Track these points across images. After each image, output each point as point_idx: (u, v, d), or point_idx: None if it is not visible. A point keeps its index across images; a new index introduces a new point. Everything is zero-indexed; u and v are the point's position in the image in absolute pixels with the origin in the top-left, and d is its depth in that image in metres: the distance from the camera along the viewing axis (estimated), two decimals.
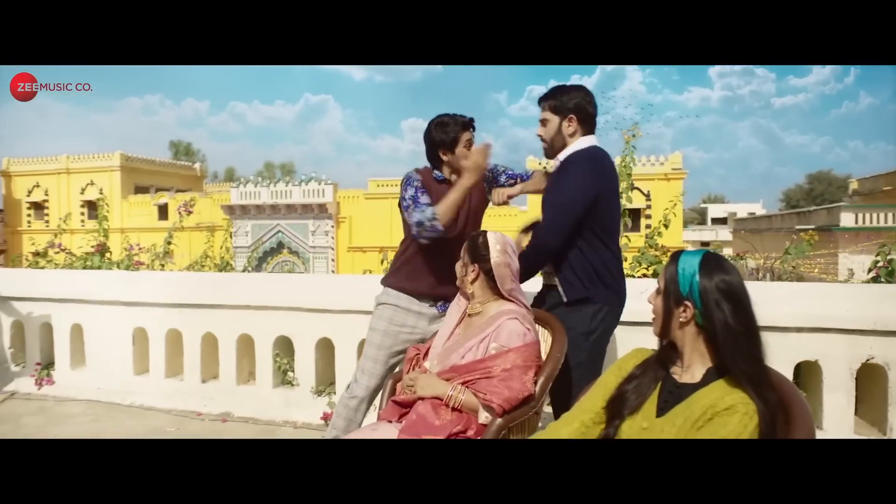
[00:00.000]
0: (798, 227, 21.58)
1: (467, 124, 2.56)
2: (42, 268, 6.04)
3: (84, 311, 4.55)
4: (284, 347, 4.10)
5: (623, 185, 4.74)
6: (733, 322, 1.39)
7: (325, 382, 4.00)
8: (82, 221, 30.91)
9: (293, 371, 4.07)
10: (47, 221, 33.51)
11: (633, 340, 3.16)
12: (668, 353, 1.54)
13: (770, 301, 3.41)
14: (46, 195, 34.13)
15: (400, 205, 2.59)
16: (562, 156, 2.42)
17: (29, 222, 34.45)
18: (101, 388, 4.40)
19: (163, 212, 31.53)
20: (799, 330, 3.25)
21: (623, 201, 4.73)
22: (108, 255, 6.24)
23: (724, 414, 1.34)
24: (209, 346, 4.23)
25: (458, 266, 2.18)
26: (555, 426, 1.64)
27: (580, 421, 1.59)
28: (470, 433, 1.88)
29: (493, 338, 1.99)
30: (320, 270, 29.94)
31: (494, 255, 2.11)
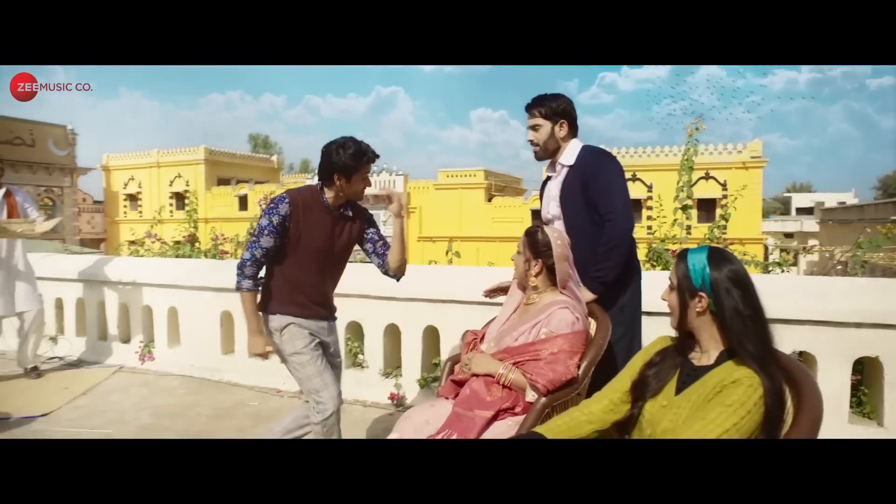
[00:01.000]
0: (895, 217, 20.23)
1: (372, 159, 2.68)
2: (140, 255, 6.65)
3: (178, 295, 5.03)
4: (355, 332, 4.41)
5: (685, 179, 4.77)
6: (742, 306, 1.54)
7: (392, 365, 4.28)
8: (171, 212, 32.84)
9: (363, 354, 4.38)
10: (141, 212, 35.84)
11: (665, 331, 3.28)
12: (687, 341, 1.69)
13: (829, 296, 3.41)
14: (140, 187, 36.47)
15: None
16: (568, 159, 2.67)
17: (125, 213, 36.93)
18: (193, 364, 4.88)
19: (243, 202, 33.05)
20: (858, 325, 3.25)
21: (686, 194, 4.77)
22: (197, 244, 6.80)
23: (731, 386, 1.49)
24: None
25: (520, 261, 2.37)
26: (587, 403, 1.81)
27: (609, 399, 1.76)
28: (517, 410, 2.09)
29: (544, 324, 2.18)
30: (491, 264, 30.57)
31: (556, 250, 2.30)
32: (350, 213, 2.75)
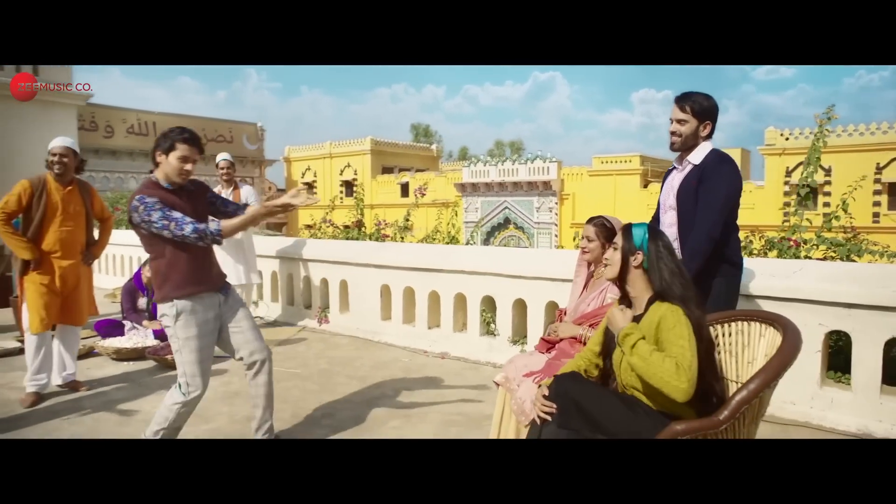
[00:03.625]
0: None
1: (189, 140, 2.92)
2: (318, 237, 7.94)
3: (348, 270, 6.11)
4: (489, 305, 5.15)
5: (810, 170, 4.86)
6: (669, 264, 2.11)
7: (520, 334, 4.96)
8: (341, 199, 35.96)
9: (495, 324, 5.11)
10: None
11: (786, 314, 3.59)
12: (623, 301, 2.25)
13: None
14: (315, 177, 40.30)
15: (141, 224, 2.84)
16: (696, 158, 2.94)
17: None
18: (359, 328, 5.94)
19: (404, 189, 35.25)
20: None
21: (809, 182, 4.84)
22: (363, 228, 7.96)
23: (663, 319, 2.02)
24: (434, 301, 5.47)
25: (595, 246, 2.94)
26: (575, 360, 2.42)
27: (587, 359, 2.37)
28: None
29: (608, 290, 2.76)
30: (544, 245, 31.01)
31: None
32: (192, 188, 3.09)
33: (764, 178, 25.96)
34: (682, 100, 2.91)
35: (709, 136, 2.95)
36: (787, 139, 25.26)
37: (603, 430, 2.03)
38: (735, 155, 38.97)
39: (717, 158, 2.89)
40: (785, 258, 4.59)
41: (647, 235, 2.17)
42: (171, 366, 4.75)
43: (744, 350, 2.21)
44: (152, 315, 5.67)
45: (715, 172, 2.84)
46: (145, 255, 6.55)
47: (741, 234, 4.86)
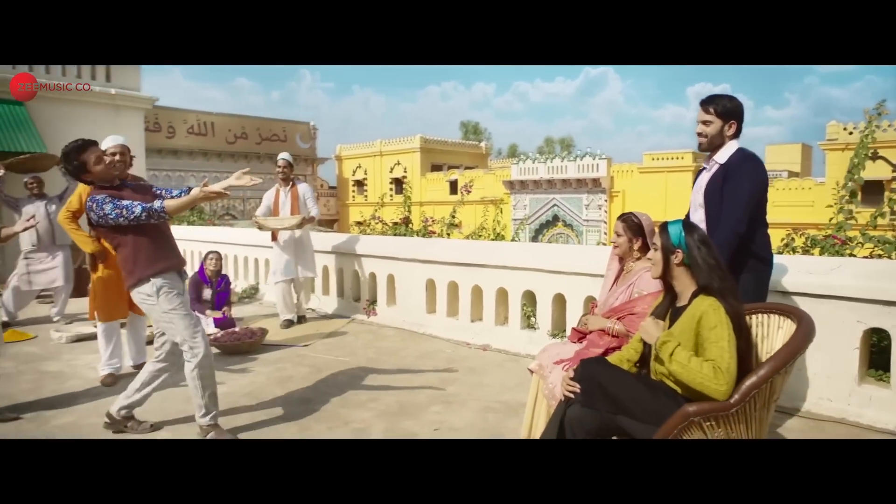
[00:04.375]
0: None
1: (84, 144, 3.25)
2: (367, 234, 8.23)
3: (395, 265, 6.36)
4: (529, 299, 5.31)
5: (856, 165, 4.81)
6: (708, 258, 2.20)
7: (559, 328, 5.10)
8: (391, 196, 36.56)
9: (535, 318, 5.26)
10: (366, 196, 40.34)
11: (820, 311, 3.64)
12: (669, 294, 2.36)
13: None
14: (365, 174, 41.02)
15: (99, 220, 3.14)
16: (722, 157, 3.04)
17: (353, 196, 41.85)
18: (405, 320, 6.19)
19: (453, 187, 35.51)
20: None
21: (856, 179, 4.81)
22: (410, 225, 8.21)
23: (704, 315, 2.12)
24: (477, 295, 5.65)
25: (623, 241, 3.08)
26: (625, 349, 2.55)
27: (633, 347, 2.50)
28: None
29: (635, 285, 2.89)
30: (593, 243, 30.78)
31: (647, 227, 3.00)
32: (135, 185, 3.48)
33: (825, 175, 25.07)
34: (707, 102, 3.06)
35: (735, 136, 3.06)
36: (850, 133, 24.28)
37: (625, 410, 2.19)
38: (795, 151, 37.81)
39: (742, 157, 2.99)
40: (828, 256, 4.59)
41: (683, 232, 2.27)
42: (230, 352, 5.11)
43: (763, 341, 2.32)
44: (215, 305, 6.07)
45: (739, 170, 2.95)
46: (206, 249, 6.97)
47: (783, 232, 4.88)
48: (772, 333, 2.28)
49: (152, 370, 3.47)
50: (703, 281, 2.21)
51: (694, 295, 2.25)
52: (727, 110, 3.00)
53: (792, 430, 3.49)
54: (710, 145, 3.08)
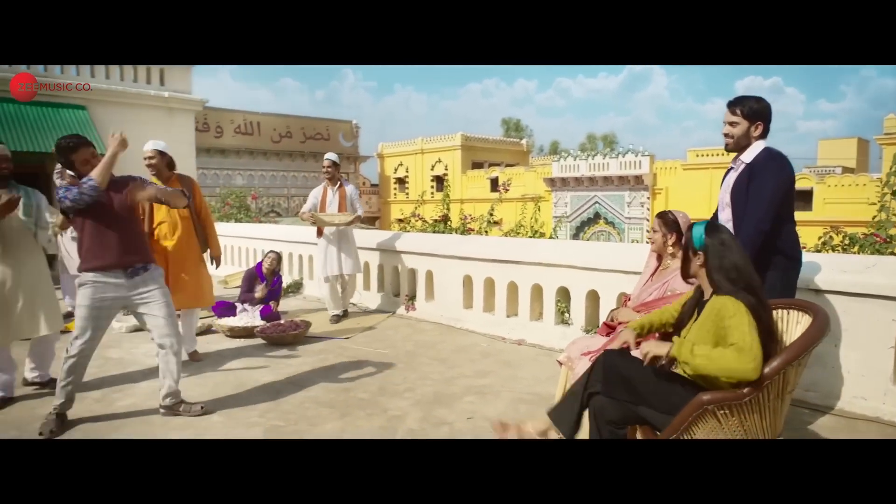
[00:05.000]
0: None
1: (79, 146, 3.49)
2: (407, 231, 8.44)
3: (433, 262, 6.54)
4: (563, 295, 5.41)
5: None
6: (722, 262, 2.27)
7: (592, 324, 5.19)
8: (432, 193, 36.83)
9: (569, 313, 5.36)
10: (407, 193, 40.72)
11: (854, 310, 3.65)
12: (699, 289, 2.43)
13: None
14: (407, 172, 41.38)
15: (63, 210, 3.48)
16: (748, 157, 3.11)
17: (395, 194, 42.31)
18: (443, 315, 6.37)
19: (494, 184, 35.50)
20: None
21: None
22: (449, 222, 8.39)
23: (720, 309, 2.20)
24: (512, 291, 5.79)
25: (658, 237, 3.17)
26: (648, 317, 2.65)
27: (668, 314, 2.59)
28: None
29: (670, 284, 2.98)
30: (635, 241, 30.38)
31: (683, 224, 3.07)
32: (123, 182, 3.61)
33: (881, 170, 24.17)
34: (734, 104, 3.13)
35: (762, 136, 3.12)
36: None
37: (645, 401, 2.30)
38: (850, 145, 36.48)
39: (767, 156, 3.05)
40: (867, 254, 4.56)
41: (704, 235, 2.34)
42: (275, 343, 5.38)
43: (783, 336, 2.39)
44: (265, 301, 6.37)
45: (764, 169, 3.01)
46: (257, 247, 7.24)
47: (820, 230, 4.86)
48: (791, 328, 2.36)
49: (160, 359, 3.70)
50: (717, 284, 2.29)
51: (713, 294, 2.35)
52: (753, 111, 3.07)
53: (823, 427, 3.53)
54: (737, 146, 3.15)
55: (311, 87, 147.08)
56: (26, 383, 4.20)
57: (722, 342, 2.20)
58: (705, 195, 28.08)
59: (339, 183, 6.54)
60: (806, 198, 25.76)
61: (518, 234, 8.92)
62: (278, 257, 6.80)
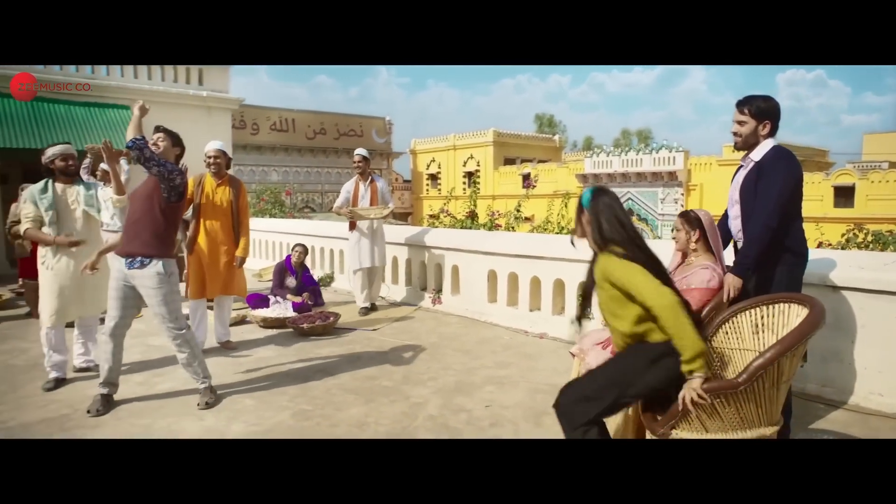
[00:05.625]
0: None
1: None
2: (436, 227, 8.62)
3: (460, 257, 6.70)
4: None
5: None
6: (602, 219, 2.43)
7: None
8: (464, 189, 36.93)
9: (590, 308, 5.45)
10: (439, 189, 40.94)
11: (872, 306, 3.69)
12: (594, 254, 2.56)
13: None
14: (439, 168, 41.59)
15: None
16: (757, 155, 3.18)
17: (427, 190, 42.57)
18: (468, 308, 6.53)
19: (525, 180, 35.48)
20: None
21: None
22: (476, 219, 8.53)
23: (606, 271, 2.38)
24: (535, 286, 5.91)
25: (682, 235, 3.26)
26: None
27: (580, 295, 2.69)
28: None
29: (687, 280, 3.07)
30: (668, 238, 29.93)
31: (706, 221, 3.16)
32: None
33: None
34: (742, 103, 3.20)
35: (770, 135, 3.18)
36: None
37: (620, 384, 2.40)
38: (894, 140, 35.25)
39: (776, 154, 3.12)
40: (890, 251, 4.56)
41: (590, 195, 2.50)
42: (306, 333, 5.61)
43: (783, 329, 2.48)
44: (297, 292, 6.63)
45: (772, 168, 3.08)
46: (290, 241, 7.49)
47: (876, 227, 4.85)
48: (791, 321, 2.45)
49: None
50: (596, 242, 2.45)
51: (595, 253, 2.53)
52: (761, 110, 3.14)
53: (835, 422, 3.58)
54: (745, 144, 3.22)
55: (344, 84, 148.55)
56: (76, 370, 4.52)
57: (629, 300, 2.35)
58: None
59: (370, 178, 6.72)
60: (848, 194, 25.10)
61: (545, 230, 9.01)
62: (305, 249, 7.06)
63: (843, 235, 4.82)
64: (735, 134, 3.24)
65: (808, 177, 26.62)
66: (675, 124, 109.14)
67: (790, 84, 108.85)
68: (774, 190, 3.03)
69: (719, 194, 28.08)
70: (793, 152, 3.16)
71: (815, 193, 25.65)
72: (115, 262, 3.79)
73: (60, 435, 3.39)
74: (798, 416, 3.65)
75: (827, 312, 3.83)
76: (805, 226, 3.26)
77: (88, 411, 3.67)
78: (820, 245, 5.53)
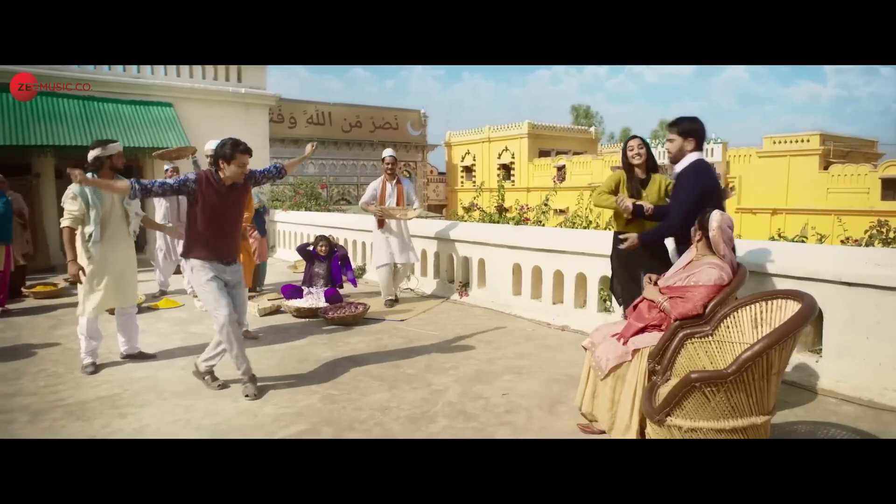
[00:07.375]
0: None
1: (244, 152, 3.96)
2: (466, 220, 8.79)
3: (486, 251, 6.88)
4: (606, 284, 5.63)
5: None
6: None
7: None
8: (498, 181, 36.89)
9: (610, 301, 5.59)
10: (474, 181, 41.02)
11: (888, 303, 3.74)
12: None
13: None
14: (474, 160, 41.63)
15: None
16: (679, 167, 3.70)
17: (462, 182, 42.69)
18: (493, 301, 6.71)
19: (559, 171, 35.30)
20: None
21: None
22: (504, 213, 8.67)
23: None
24: (558, 279, 6.06)
25: (693, 229, 3.37)
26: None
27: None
28: (662, 327, 3.17)
29: (695, 275, 3.19)
30: None
31: (712, 230, 3.27)
32: (238, 184, 4.07)
33: None
34: (671, 125, 3.77)
35: (696, 149, 3.70)
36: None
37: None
38: None
39: (692, 166, 3.67)
40: None
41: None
42: (335, 323, 5.88)
43: (780, 323, 2.60)
44: (333, 276, 6.90)
45: (682, 177, 3.69)
46: (316, 232, 7.76)
47: (864, 223, 4.86)
48: (787, 316, 2.57)
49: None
50: None
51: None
52: (685, 130, 3.68)
53: (847, 416, 3.65)
54: (675, 158, 3.77)
55: (380, 77, 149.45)
56: (123, 357, 4.85)
57: None
58: (781, 184, 26.98)
59: (397, 179, 6.93)
60: (895, 186, 24.32)
61: (574, 224, 9.09)
62: (326, 239, 7.26)
63: (865, 231, 4.82)
64: (668, 150, 3.79)
65: (853, 169, 25.89)
66: (716, 114, 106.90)
67: (839, 72, 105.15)
68: (682, 196, 3.65)
69: (759, 187, 27.54)
70: (709, 165, 3.73)
71: (861, 186, 24.91)
72: (208, 264, 4.03)
73: (111, 411, 3.71)
74: (809, 410, 3.75)
75: (842, 308, 3.94)
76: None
77: (246, 395, 3.95)
78: (845, 241, 5.50)
